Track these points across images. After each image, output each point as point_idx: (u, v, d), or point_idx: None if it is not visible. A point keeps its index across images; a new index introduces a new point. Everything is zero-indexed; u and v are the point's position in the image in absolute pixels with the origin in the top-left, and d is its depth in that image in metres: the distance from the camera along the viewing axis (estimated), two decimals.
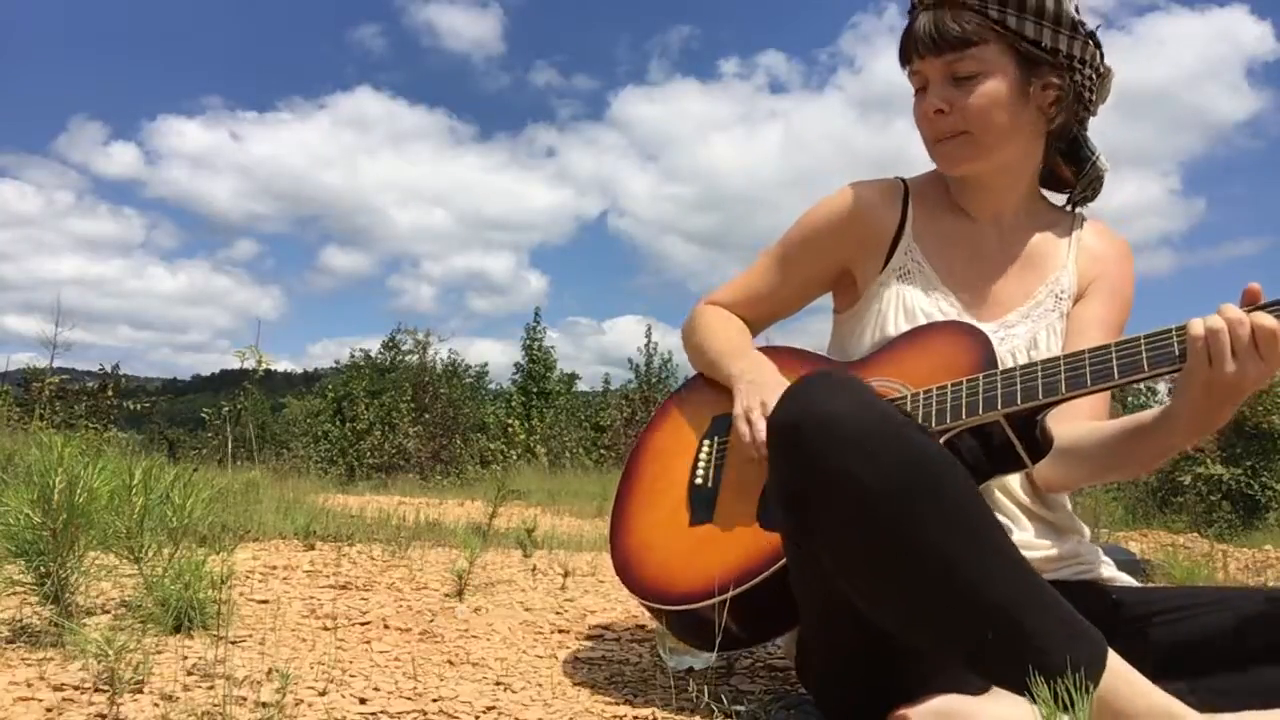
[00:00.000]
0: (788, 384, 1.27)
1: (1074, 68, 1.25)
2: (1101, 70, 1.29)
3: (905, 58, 1.30)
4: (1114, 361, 1.04)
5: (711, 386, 1.41)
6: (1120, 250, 1.36)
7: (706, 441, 1.35)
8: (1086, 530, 1.32)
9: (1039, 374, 1.09)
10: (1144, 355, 1.03)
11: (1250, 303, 1.02)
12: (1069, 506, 1.32)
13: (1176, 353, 1.02)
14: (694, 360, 1.47)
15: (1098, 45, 1.26)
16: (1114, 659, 0.93)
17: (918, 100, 1.30)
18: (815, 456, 0.95)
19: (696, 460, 1.33)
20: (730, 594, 1.14)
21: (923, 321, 1.29)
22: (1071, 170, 1.36)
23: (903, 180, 1.40)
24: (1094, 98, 1.30)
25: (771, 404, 1.20)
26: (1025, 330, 1.29)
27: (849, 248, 1.38)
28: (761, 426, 1.21)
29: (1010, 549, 0.95)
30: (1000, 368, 1.16)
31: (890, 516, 0.93)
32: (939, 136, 1.28)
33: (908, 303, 1.31)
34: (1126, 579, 1.28)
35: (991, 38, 1.23)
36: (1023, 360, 1.25)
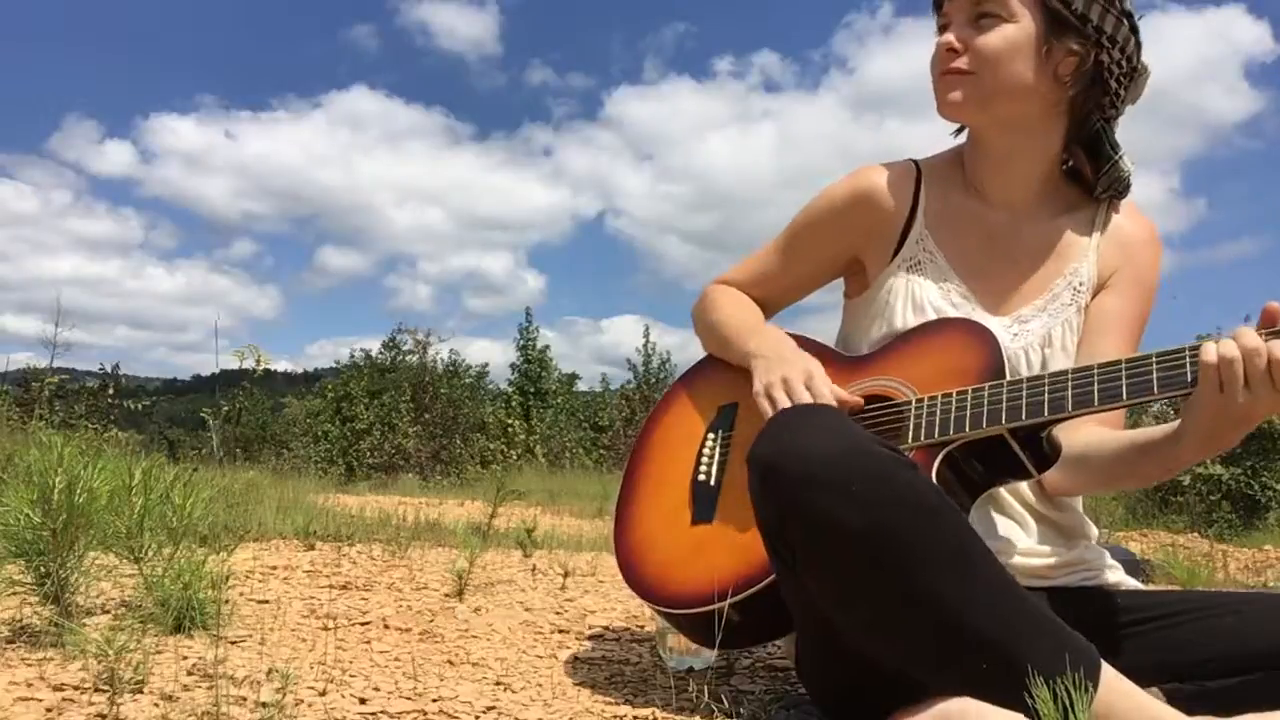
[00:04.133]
0: (807, 357, 1.24)
1: (1101, 43, 1.19)
2: (1137, 65, 1.23)
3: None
4: (1123, 381, 1.01)
5: (719, 373, 1.39)
6: (1146, 234, 1.30)
7: (711, 434, 1.33)
8: (1095, 531, 1.30)
9: (1045, 389, 1.06)
10: (1154, 377, 1.00)
11: (1268, 325, 0.97)
12: (1079, 508, 1.29)
13: (1189, 378, 0.98)
14: (705, 341, 1.44)
15: (1134, 30, 1.21)
16: (1109, 673, 0.92)
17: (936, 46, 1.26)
18: (796, 498, 0.94)
19: (700, 454, 1.32)
20: (729, 600, 1.13)
21: (931, 315, 1.26)
22: (1091, 167, 1.29)
23: (915, 162, 1.35)
24: (1122, 90, 1.24)
25: (793, 379, 1.19)
26: (1040, 325, 1.25)
27: (857, 235, 1.35)
28: (784, 401, 1.17)
29: (1000, 577, 0.94)
30: (1009, 366, 1.14)
31: (874, 556, 0.92)
32: (944, 70, 1.23)
33: (917, 295, 1.27)
34: (1132, 583, 1.27)
35: None
36: (1035, 357, 1.23)
